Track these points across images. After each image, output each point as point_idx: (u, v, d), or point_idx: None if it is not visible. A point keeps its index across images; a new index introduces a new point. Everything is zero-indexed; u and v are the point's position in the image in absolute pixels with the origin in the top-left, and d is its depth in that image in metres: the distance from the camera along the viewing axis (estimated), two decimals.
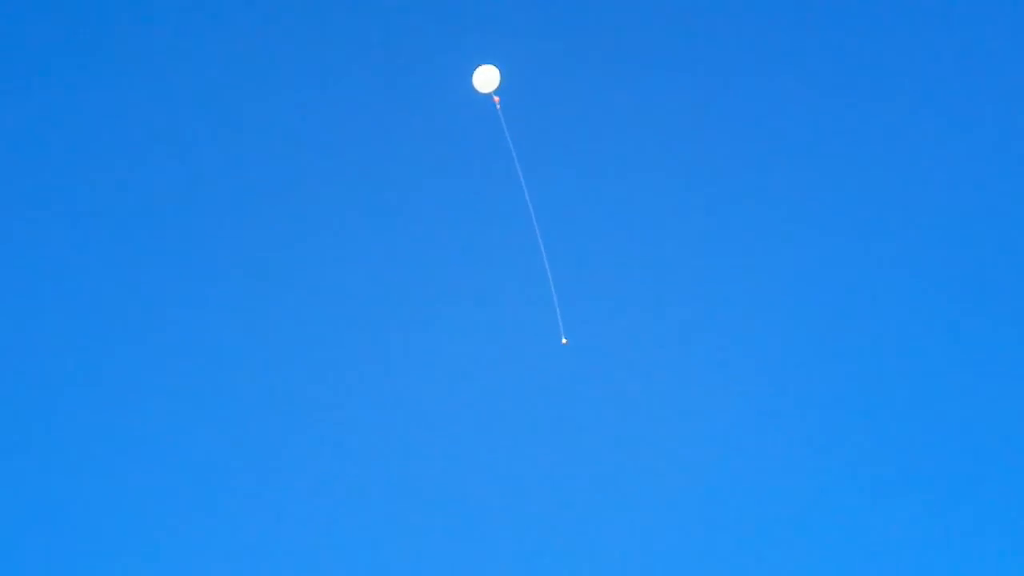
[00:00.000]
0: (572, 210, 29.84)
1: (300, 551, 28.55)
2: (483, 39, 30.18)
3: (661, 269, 29.89)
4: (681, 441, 29.02)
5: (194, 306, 29.81)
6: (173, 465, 28.93)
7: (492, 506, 28.79)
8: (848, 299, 29.47)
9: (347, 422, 29.36)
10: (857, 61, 30.58)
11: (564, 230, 29.55)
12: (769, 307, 29.52)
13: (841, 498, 28.49)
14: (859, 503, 28.46)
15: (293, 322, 29.69)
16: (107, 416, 29.11)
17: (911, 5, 30.59)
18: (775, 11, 30.67)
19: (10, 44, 30.59)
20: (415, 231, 30.12)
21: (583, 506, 28.78)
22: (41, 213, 30.02)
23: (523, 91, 27.82)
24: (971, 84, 30.32)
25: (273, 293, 29.77)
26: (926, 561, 28.15)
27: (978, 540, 28.24)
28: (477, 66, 25.81)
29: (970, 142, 30.09)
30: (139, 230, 30.10)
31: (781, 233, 29.85)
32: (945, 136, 30.15)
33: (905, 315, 29.43)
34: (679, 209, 30.05)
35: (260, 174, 30.16)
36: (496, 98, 26.05)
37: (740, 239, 29.82)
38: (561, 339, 28.08)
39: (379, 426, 29.21)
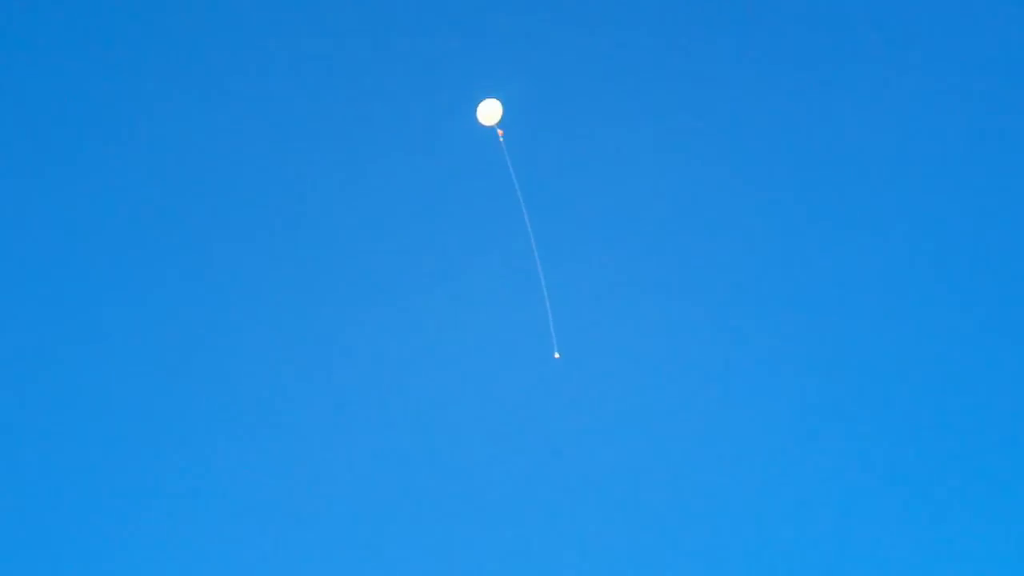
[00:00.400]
0: (570, 235, 30.60)
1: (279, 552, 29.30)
2: (487, 72, 30.84)
3: (656, 293, 30.55)
4: (672, 452, 29.79)
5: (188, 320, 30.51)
6: (164, 463, 29.59)
7: (485, 518, 29.60)
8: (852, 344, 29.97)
9: (345, 427, 30.16)
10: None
11: (561, 253, 30.29)
12: (765, 327, 30.15)
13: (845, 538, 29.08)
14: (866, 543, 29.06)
15: (292, 333, 30.44)
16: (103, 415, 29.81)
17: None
18: (776, 56, 31.28)
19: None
20: (418, 253, 30.83)
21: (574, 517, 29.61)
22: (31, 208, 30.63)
23: (525, 123, 28.72)
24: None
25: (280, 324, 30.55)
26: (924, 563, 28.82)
27: (976, 542, 28.80)
28: (481, 100, 26.67)
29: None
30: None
31: (776, 256, 30.51)
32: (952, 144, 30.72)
33: (902, 317, 30.02)
34: (677, 235, 30.68)
35: (267, 215, 30.87)
36: (500, 131, 26.82)
37: (735, 263, 30.45)
38: (554, 353, 29.07)
39: (375, 446, 29.91)
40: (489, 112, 26.55)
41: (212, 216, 30.62)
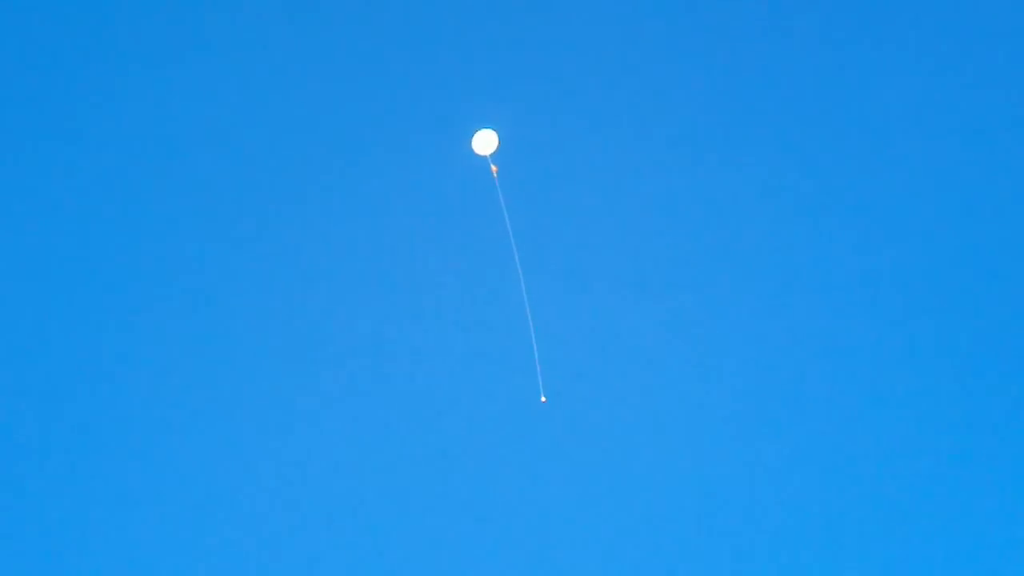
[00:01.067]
0: (561, 276, 30.27)
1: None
2: (485, 103, 30.61)
3: (646, 331, 30.20)
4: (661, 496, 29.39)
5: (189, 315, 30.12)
6: (165, 465, 29.30)
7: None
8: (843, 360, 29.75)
9: (324, 466, 29.70)
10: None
11: (550, 290, 29.96)
12: (760, 367, 29.91)
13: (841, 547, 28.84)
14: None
15: (285, 382, 30.06)
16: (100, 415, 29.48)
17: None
18: (771, 83, 31.09)
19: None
20: (403, 288, 30.43)
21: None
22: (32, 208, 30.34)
23: (520, 157, 28.35)
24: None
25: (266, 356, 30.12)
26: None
27: (974, 544, 28.58)
28: (477, 129, 26.17)
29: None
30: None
31: (767, 305, 30.17)
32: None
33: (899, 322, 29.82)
34: (669, 279, 30.40)
35: (256, 234, 30.54)
36: (494, 167, 26.30)
37: (735, 304, 30.15)
38: (541, 397, 28.48)
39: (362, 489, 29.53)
40: (484, 142, 26.06)
41: (181, 241, 30.39)
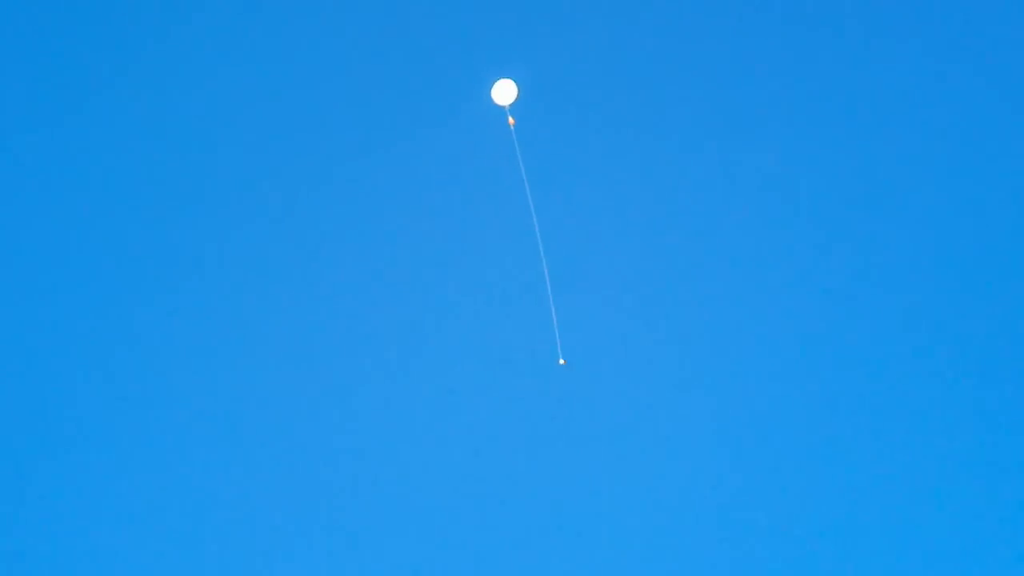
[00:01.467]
0: (579, 235, 30.05)
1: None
2: (504, 53, 30.44)
3: (665, 292, 30.04)
4: (676, 461, 29.19)
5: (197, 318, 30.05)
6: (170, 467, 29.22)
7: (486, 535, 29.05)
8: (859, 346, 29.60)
9: (344, 435, 29.60)
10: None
11: (568, 250, 29.69)
12: (778, 330, 29.66)
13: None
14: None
15: (292, 336, 29.93)
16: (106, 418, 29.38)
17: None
18: (790, 47, 30.89)
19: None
20: (417, 244, 30.31)
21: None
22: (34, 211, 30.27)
23: (540, 112, 28.53)
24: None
25: (271, 298, 30.11)
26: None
27: (975, 544, 28.55)
28: (497, 79, 26.03)
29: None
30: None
31: (791, 258, 30.02)
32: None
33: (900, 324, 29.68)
34: (687, 232, 30.17)
35: (267, 188, 30.46)
36: (511, 119, 26.11)
37: (752, 266, 29.95)
38: (559, 360, 28.24)
39: (373, 451, 29.47)
40: (503, 92, 25.90)
41: (203, 208, 30.41)
